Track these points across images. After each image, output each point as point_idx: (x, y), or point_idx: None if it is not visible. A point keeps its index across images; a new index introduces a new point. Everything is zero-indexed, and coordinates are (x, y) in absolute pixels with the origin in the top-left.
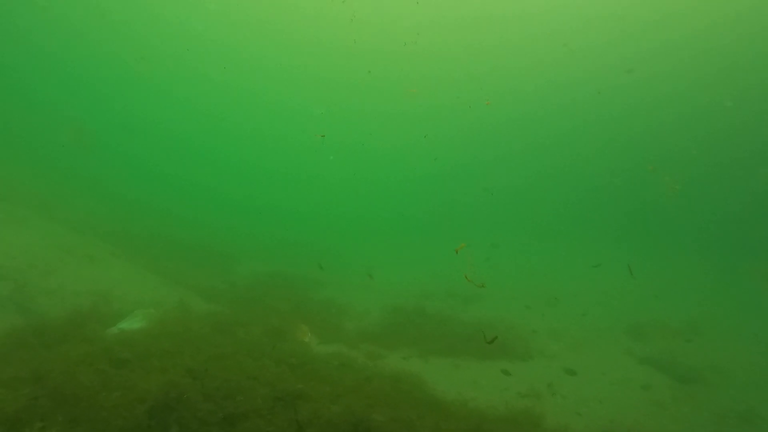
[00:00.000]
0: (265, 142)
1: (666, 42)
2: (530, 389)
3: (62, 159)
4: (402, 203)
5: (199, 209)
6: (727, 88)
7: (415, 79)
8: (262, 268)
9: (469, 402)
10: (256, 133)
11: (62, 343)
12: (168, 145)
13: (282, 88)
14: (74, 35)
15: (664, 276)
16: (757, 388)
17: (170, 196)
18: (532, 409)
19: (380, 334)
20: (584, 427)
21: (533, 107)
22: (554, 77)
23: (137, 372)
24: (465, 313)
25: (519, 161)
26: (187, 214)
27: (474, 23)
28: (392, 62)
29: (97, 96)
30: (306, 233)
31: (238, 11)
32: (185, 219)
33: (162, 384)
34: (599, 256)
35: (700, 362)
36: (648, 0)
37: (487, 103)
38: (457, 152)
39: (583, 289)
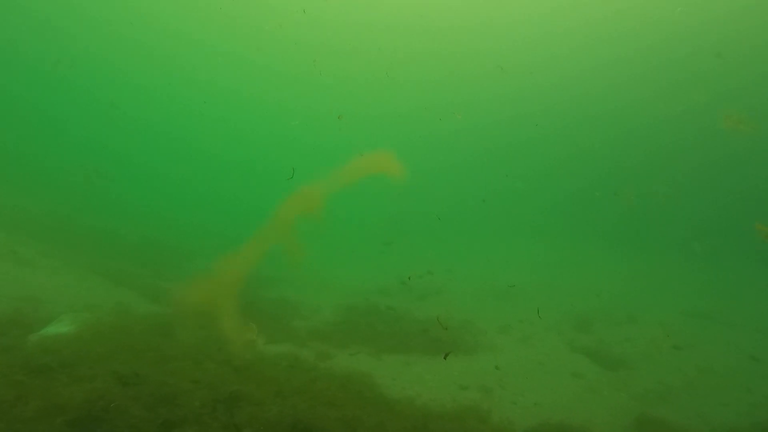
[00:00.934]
0: (224, 132)
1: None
2: (477, 384)
3: None
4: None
5: (150, 201)
6: None
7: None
8: (212, 264)
9: (416, 399)
10: (214, 121)
11: None
12: (116, 129)
13: (249, 80)
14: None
15: (610, 271)
16: (675, 370)
17: (118, 186)
18: (477, 404)
19: (332, 333)
20: (522, 417)
21: (492, 114)
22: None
23: (60, 380)
24: (418, 310)
25: (473, 164)
26: (136, 207)
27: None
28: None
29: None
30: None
31: None
32: (133, 212)
33: (88, 392)
34: (554, 253)
35: (631, 350)
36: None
37: (459, 115)
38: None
39: (534, 284)
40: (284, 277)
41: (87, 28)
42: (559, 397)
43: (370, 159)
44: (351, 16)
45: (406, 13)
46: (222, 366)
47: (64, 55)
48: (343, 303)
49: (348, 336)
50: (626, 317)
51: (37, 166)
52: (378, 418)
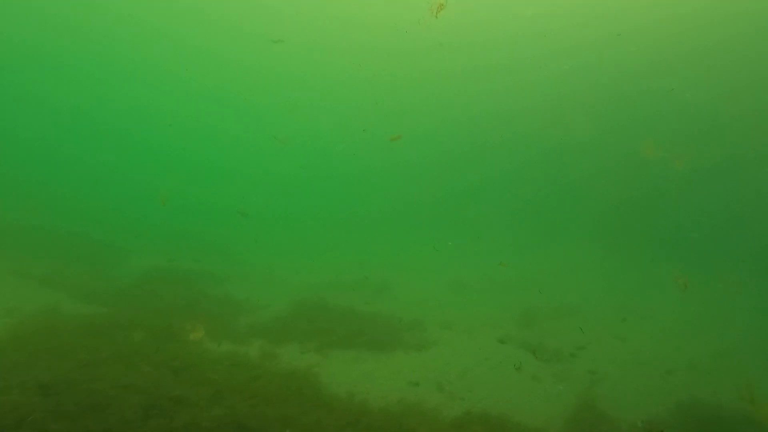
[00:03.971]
0: (167, 116)
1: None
2: (420, 379)
3: None
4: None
5: (81, 191)
6: None
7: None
8: (153, 261)
9: (356, 396)
10: (155, 104)
11: None
12: (43, 113)
13: (195, 68)
14: None
15: (554, 265)
16: (611, 361)
17: (46, 175)
18: (418, 399)
19: (278, 330)
20: (464, 412)
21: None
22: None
23: None
24: (368, 305)
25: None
26: (67, 198)
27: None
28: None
29: None
30: (205, 224)
31: None
32: (63, 203)
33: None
34: (506, 252)
35: (570, 343)
36: None
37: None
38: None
39: (482, 280)
40: (230, 274)
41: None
42: (501, 391)
43: None
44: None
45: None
46: (159, 368)
47: None
48: (291, 299)
49: (294, 333)
50: (568, 311)
51: None
52: (316, 415)
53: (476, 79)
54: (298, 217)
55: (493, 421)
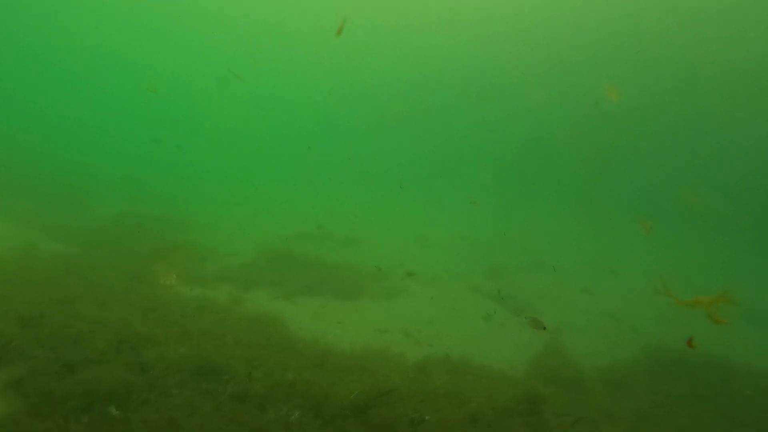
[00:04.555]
0: (134, 68)
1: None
2: (388, 326)
3: None
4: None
5: (53, 138)
6: None
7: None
8: (124, 206)
9: (322, 340)
10: (122, 54)
11: None
12: (13, 63)
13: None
14: None
15: (520, 222)
16: (575, 307)
17: (17, 123)
18: (385, 344)
19: (246, 277)
20: (428, 356)
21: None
22: None
23: None
24: (336, 255)
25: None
26: (38, 144)
27: None
28: None
29: None
30: (174, 173)
31: None
32: (35, 149)
33: None
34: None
35: (538, 295)
36: None
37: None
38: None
39: (450, 234)
40: (197, 222)
41: None
42: (469, 339)
43: None
44: None
45: None
46: (128, 308)
47: None
48: (260, 247)
49: (261, 280)
50: (537, 264)
51: None
52: (281, 356)
53: (447, 30)
54: (265, 171)
55: (456, 363)
